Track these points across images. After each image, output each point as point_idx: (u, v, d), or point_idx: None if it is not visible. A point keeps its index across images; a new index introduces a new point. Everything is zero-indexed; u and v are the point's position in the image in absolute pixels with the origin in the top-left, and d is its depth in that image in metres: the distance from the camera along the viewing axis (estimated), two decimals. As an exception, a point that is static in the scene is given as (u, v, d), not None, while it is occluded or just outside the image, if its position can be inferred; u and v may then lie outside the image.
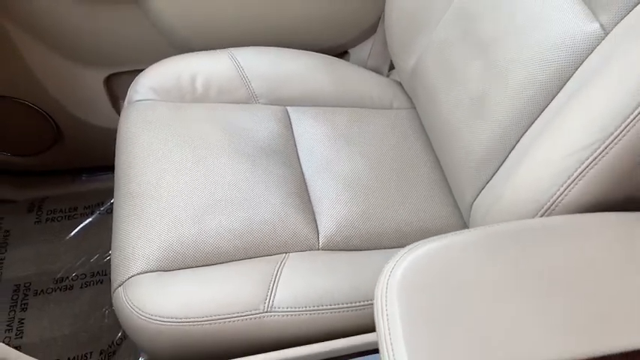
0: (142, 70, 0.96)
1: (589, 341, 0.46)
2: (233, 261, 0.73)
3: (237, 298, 0.68)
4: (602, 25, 0.60)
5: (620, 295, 0.49)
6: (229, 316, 0.66)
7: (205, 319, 0.66)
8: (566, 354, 0.45)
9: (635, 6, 0.57)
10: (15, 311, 1.08)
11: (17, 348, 1.02)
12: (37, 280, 1.12)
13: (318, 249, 0.77)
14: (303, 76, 0.96)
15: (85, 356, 1.03)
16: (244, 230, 0.74)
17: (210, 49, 0.98)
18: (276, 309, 0.67)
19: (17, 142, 1.18)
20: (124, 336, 1.06)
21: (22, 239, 1.18)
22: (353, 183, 0.83)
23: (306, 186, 0.83)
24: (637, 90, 0.53)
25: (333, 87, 0.97)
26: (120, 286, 0.71)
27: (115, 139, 0.90)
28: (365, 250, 0.78)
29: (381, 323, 0.46)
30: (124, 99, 0.96)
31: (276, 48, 1.00)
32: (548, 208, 0.58)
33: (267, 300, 0.68)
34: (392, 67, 1.11)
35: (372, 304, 0.48)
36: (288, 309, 0.68)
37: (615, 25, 0.59)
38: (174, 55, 0.98)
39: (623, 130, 0.53)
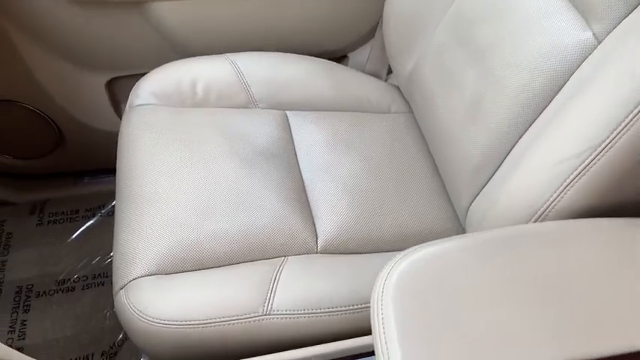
0: (143, 74, 0.97)
1: (581, 345, 0.47)
2: (232, 264, 0.74)
3: (237, 301, 0.69)
4: (594, 35, 0.61)
5: (612, 300, 0.50)
6: (229, 318, 0.67)
7: (205, 321, 0.67)
8: (559, 358, 0.46)
9: (627, 15, 0.58)
10: (17, 313, 1.09)
11: (20, 349, 1.03)
12: (39, 281, 1.13)
13: (317, 252, 0.78)
14: (303, 81, 0.97)
15: (87, 357, 1.04)
16: (244, 234, 0.75)
17: (211, 54, 0.99)
18: (275, 312, 0.68)
19: (19, 146, 1.19)
20: (125, 337, 1.06)
21: (24, 241, 1.19)
22: (351, 187, 0.84)
23: (305, 190, 0.84)
24: (627, 99, 0.54)
25: (332, 91, 0.98)
26: (121, 289, 0.72)
27: (117, 143, 0.91)
28: (363, 253, 0.79)
29: (376, 326, 0.47)
30: (125, 103, 0.96)
31: (275, 53, 1.01)
32: (542, 213, 0.59)
33: (266, 303, 0.69)
34: (390, 71, 1.12)
35: (370, 307, 0.49)
36: (287, 312, 0.69)
37: (607, 35, 0.60)
38: (175, 59, 0.99)
39: (614, 138, 0.54)
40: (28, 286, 1.13)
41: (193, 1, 1.00)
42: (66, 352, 1.04)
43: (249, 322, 0.68)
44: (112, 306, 0.75)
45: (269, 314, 0.68)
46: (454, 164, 0.78)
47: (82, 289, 1.13)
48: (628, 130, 0.54)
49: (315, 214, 0.81)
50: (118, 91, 1.16)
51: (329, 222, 0.80)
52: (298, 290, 0.71)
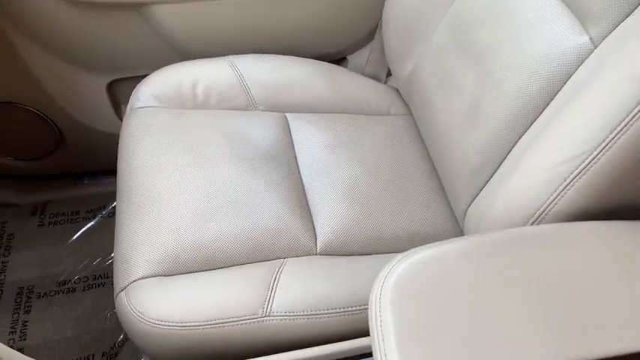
0: (143, 76, 0.98)
1: (581, 347, 0.47)
2: (232, 266, 0.75)
3: (237, 302, 0.69)
4: (591, 39, 0.62)
5: (612, 302, 0.50)
6: (229, 320, 0.68)
7: (205, 323, 0.68)
8: (557, 360, 0.46)
9: (624, 20, 0.59)
10: (19, 314, 1.09)
11: (21, 350, 1.04)
12: (40, 282, 1.14)
13: (316, 254, 0.78)
14: (302, 83, 0.98)
15: (88, 358, 1.05)
16: (243, 235, 0.76)
17: (211, 56, 1.00)
18: (275, 313, 0.69)
19: (20, 147, 1.20)
20: (126, 338, 1.07)
21: (25, 242, 1.20)
22: (351, 189, 0.84)
23: (305, 191, 0.85)
24: (624, 102, 0.54)
25: (331, 94, 0.98)
26: (122, 290, 0.72)
27: (117, 144, 0.91)
28: (362, 255, 0.80)
29: (374, 328, 0.47)
30: (126, 104, 0.97)
31: (275, 55, 1.02)
32: (539, 216, 0.59)
33: (266, 304, 0.69)
34: (389, 73, 1.12)
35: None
36: (287, 313, 0.69)
37: (604, 39, 0.60)
38: (176, 61, 1.00)
39: (611, 140, 0.55)
40: (29, 287, 1.13)
41: (193, 4, 1.00)
42: (67, 353, 1.05)
43: (249, 323, 0.68)
44: (113, 307, 0.75)
45: (269, 316, 0.69)
46: (453, 166, 0.78)
47: (83, 290, 1.14)
48: (625, 132, 0.54)
49: (315, 215, 0.82)
50: (119, 93, 1.17)
51: (328, 224, 0.80)
52: (298, 292, 0.71)
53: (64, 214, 1.25)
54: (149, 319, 0.68)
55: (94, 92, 1.13)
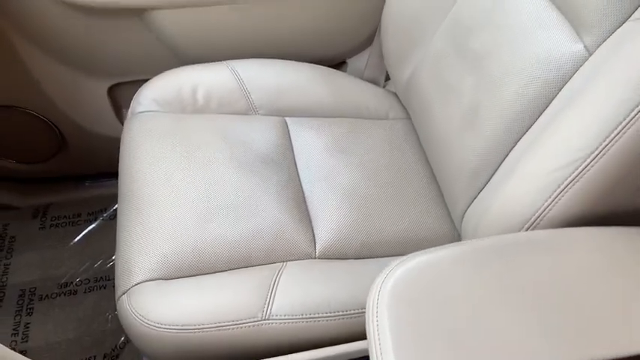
0: (144, 80, 0.99)
1: (576, 351, 0.48)
2: (232, 269, 0.76)
3: (236, 306, 0.70)
4: (585, 47, 0.62)
5: (605, 306, 0.51)
6: (228, 323, 0.69)
7: (205, 326, 0.68)
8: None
9: (617, 28, 0.60)
10: (21, 316, 1.10)
11: (23, 352, 1.04)
12: (41, 285, 1.15)
13: (315, 258, 0.79)
14: (302, 88, 0.99)
15: (89, 360, 1.06)
16: (243, 239, 0.77)
17: (211, 60, 1.01)
18: (274, 317, 0.70)
19: (22, 150, 1.20)
20: (127, 340, 1.08)
21: (27, 245, 1.21)
22: (350, 193, 0.85)
23: (304, 195, 0.86)
24: (620, 107, 0.55)
25: (331, 98, 0.99)
26: (124, 293, 0.73)
27: (118, 147, 0.92)
28: (361, 258, 0.80)
29: (371, 333, 0.48)
30: (127, 108, 0.98)
31: (275, 60, 1.02)
32: (534, 221, 0.60)
33: (265, 308, 0.70)
34: (388, 77, 1.13)
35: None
36: (286, 317, 0.70)
37: (598, 47, 0.61)
38: (176, 66, 1.00)
39: (604, 148, 0.56)
40: (31, 289, 1.14)
41: (193, 9, 1.01)
42: (68, 355, 1.05)
43: (249, 326, 0.69)
44: (114, 309, 0.76)
45: (268, 319, 0.69)
46: (451, 170, 0.79)
47: (85, 292, 1.14)
48: (619, 139, 0.55)
49: (314, 219, 0.82)
50: (120, 97, 1.18)
51: (327, 227, 0.81)
52: (297, 295, 0.72)
53: (65, 216, 1.26)
54: (150, 322, 0.69)
55: (96, 96, 1.14)
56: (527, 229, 0.61)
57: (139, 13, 1.01)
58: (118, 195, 0.86)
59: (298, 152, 0.91)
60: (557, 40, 0.65)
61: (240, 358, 0.69)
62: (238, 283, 0.73)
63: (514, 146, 0.69)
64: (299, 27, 1.09)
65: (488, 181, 0.71)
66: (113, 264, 1.17)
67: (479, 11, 0.77)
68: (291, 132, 0.94)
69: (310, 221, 0.82)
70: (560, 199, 0.58)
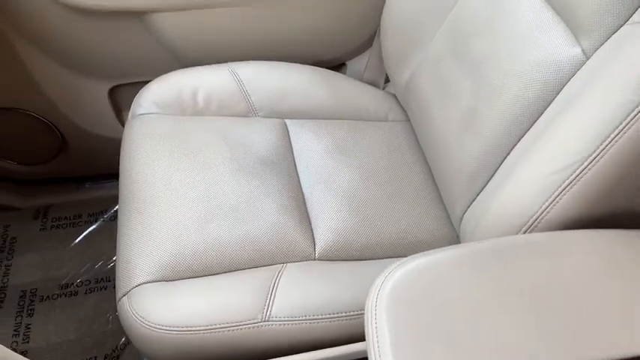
0: (145, 82, 0.99)
1: (572, 355, 0.48)
2: (232, 271, 0.76)
3: (237, 307, 0.70)
4: (583, 51, 0.63)
5: (603, 309, 0.51)
6: (228, 325, 0.69)
7: (205, 328, 0.69)
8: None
9: (614, 32, 0.60)
10: (22, 317, 1.10)
11: (24, 353, 1.05)
12: (42, 286, 1.15)
13: (315, 259, 0.79)
14: (302, 90, 0.99)
15: (90, 360, 1.06)
16: (243, 241, 0.77)
17: (211, 63, 1.01)
18: (274, 318, 0.70)
19: (23, 152, 1.21)
20: (128, 341, 1.08)
21: (27, 246, 1.21)
22: (349, 195, 0.85)
23: (304, 197, 0.86)
24: (618, 110, 0.55)
25: (330, 100, 0.99)
26: (124, 295, 0.73)
27: (119, 149, 0.93)
28: (360, 260, 0.81)
29: (370, 336, 0.48)
30: (127, 110, 0.98)
31: (275, 62, 1.03)
32: (532, 224, 0.60)
33: (265, 309, 0.71)
34: (388, 79, 1.13)
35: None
36: (286, 318, 0.70)
37: (595, 51, 0.61)
38: (177, 67, 1.01)
39: (602, 151, 0.56)
40: (32, 290, 1.14)
41: (194, 11, 1.01)
42: (69, 356, 1.06)
43: (249, 328, 0.69)
44: (115, 310, 0.76)
45: (268, 321, 0.70)
46: (449, 172, 0.80)
47: (85, 293, 1.15)
48: (616, 142, 0.56)
49: (314, 221, 0.83)
50: (121, 99, 1.18)
51: (327, 229, 0.81)
52: (297, 297, 0.72)
53: (66, 217, 1.27)
54: (150, 324, 0.69)
55: (96, 98, 1.14)
56: (525, 232, 0.61)
57: (139, 15, 1.01)
58: (119, 196, 0.86)
59: (298, 154, 0.92)
60: (556, 44, 0.65)
61: (240, 359, 0.69)
62: (238, 285, 0.73)
63: (512, 149, 0.69)
64: (299, 29, 1.09)
65: (487, 183, 0.72)
66: (114, 265, 1.18)
67: (478, 15, 0.77)
68: (291, 134, 0.94)
69: (310, 223, 0.83)
70: (558, 202, 0.59)
